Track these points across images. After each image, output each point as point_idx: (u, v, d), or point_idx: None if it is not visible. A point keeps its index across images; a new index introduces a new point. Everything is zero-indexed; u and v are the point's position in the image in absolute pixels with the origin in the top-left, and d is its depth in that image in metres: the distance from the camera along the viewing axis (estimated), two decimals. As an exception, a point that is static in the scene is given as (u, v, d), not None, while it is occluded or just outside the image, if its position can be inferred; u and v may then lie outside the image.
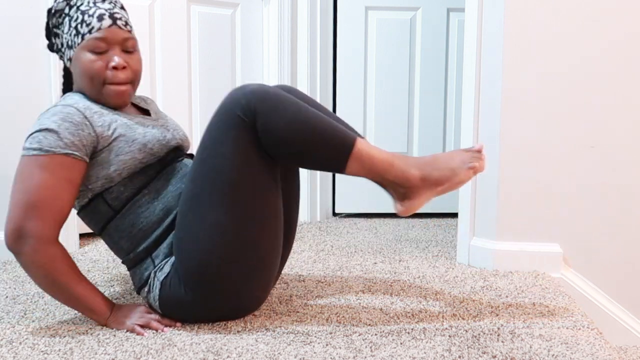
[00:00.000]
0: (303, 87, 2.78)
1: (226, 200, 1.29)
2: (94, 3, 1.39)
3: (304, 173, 2.82)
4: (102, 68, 1.37)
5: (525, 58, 1.90)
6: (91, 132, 1.32)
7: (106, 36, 1.37)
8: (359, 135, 1.34)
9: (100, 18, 1.37)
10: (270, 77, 2.75)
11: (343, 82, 2.91)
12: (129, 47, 1.40)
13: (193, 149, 2.61)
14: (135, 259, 1.39)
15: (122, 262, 1.44)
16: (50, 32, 1.45)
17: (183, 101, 2.55)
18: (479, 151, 1.33)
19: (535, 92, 1.91)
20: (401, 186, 1.32)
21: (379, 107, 2.93)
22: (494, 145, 1.94)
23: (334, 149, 1.28)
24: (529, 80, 1.91)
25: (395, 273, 1.88)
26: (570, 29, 1.88)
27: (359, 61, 2.90)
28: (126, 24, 1.41)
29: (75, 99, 1.36)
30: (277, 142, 1.27)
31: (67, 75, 1.50)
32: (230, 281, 1.32)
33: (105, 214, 1.39)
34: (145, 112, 1.55)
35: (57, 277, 1.28)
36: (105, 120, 1.35)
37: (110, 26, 1.37)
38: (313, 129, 1.27)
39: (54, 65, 2.10)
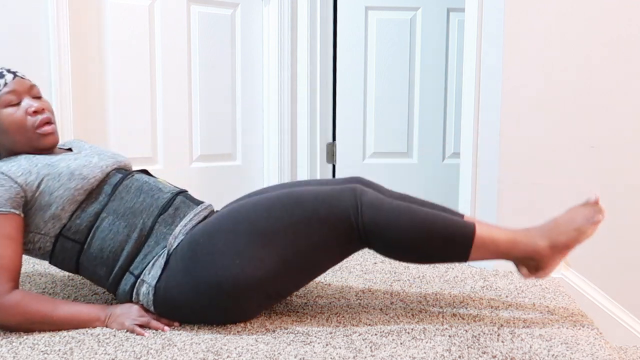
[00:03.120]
0: (303, 87, 2.78)
1: (288, 252, 1.31)
2: None
3: (303, 173, 2.82)
4: (24, 115, 1.40)
5: (525, 58, 1.90)
6: (12, 185, 1.33)
7: (15, 88, 1.40)
8: (476, 221, 1.36)
9: (1, 75, 1.40)
10: (270, 77, 2.75)
11: (343, 82, 2.90)
12: (36, 93, 1.44)
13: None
14: (115, 280, 1.40)
15: (108, 291, 1.44)
16: None
17: (183, 101, 2.55)
18: (597, 203, 1.36)
19: (536, 92, 1.91)
20: (531, 259, 1.35)
21: (379, 107, 2.93)
22: (494, 146, 1.94)
23: (455, 243, 1.32)
24: (529, 80, 1.91)
25: (395, 273, 1.88)
26: (570, 28, 1.88)
27: (359, 61, 2.90)
28: (23, 76, 1.44)
29: None
30: (397, 250, 1.32)
31: None
32: (245, 304, 1.35)
33: (73, 249, 1.40)
34: (69, 150, 1.55)
35: (32, 317, 1.30)
36: (25, 168, 1.36)
37: (13, 79, 1.41)
38: (431, 229, 1.30)
39: (55, 66, 2.10)
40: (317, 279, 1.78)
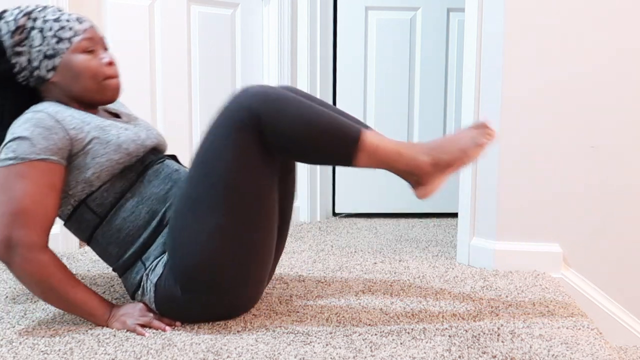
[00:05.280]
0: (303, 87, 2.78)
1: (225, 203, 1.29)
2: (59, 12, 1.40)
3: (304, 173, 2.83)
4: (100, 65, 1.40)
5: (526, 58, 1.90)
6: (65, 135, 1.31)
7: (92, 36, 1.40)
8: (366, 127, 1.33)
9: (80, 21, 1.40)
10: (270, 77, 2.75)
11: (343, 82, 2.91)
12: (106, 45, 1.45)
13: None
14: (125, 264, 1.39)
15: (113, 270, 1.44)
16: (2, 54, 1.36)
17: (183, 101, 2.55)
18: (485, 125, 1.33)
19: (536, 93, 1.91)
20: (413, 174, 1.33)
21: (379, 107, 2.93)
22: (494, 146, 1.94)
23: (341, 143, 1.28)
24: (529, 81, 1.91)
25: (395, 273, 1.88)
26: (570, 29, 1.88)
27: (359, 61, 2.90)
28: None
29: (45, 105, 1.35)
30: (284, 142, 1.28)
31: (18, 96, 1.41)
32: (225, 280, 1.33)
33: (91, 222, 1.39)
34: (116, 115, 1.55)
35: (51, 284, 1.28)
36: (78, 123, 1.34)
37: (91, 27, 1.41)
38: (318, 126, 1.27)
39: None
40: (317, 279, 1.78)
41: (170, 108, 2.52)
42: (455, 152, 1.31)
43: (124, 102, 2.34)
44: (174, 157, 1.53)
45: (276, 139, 1.27)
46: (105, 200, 1.38)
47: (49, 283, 1.28)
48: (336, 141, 1.28)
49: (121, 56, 2.37)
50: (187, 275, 1.31)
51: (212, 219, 1.29)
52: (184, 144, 2.57)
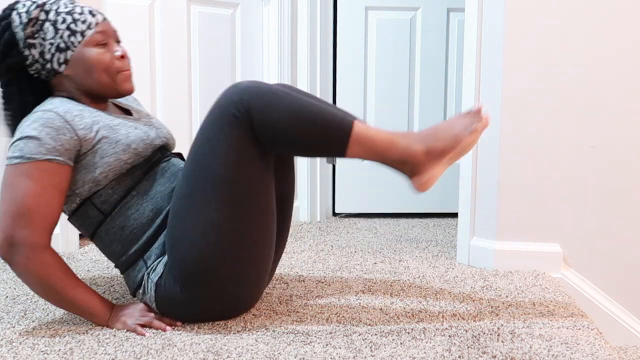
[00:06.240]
0: (303, 87, 2.78)
1: (220, 198, 1.29)
2: (72, 4, 1.39)
3: (304, 173, 2.82)
4: (113, 59, 1.39)
5: (525, 58, 1.90)
6: (73, 136, 1.31)
7: (105, 29, 1.39)
8: (357, 119, 1.32)
9: (93, 14, 1.38)
10: (270, 77, 2.75)
11: (343, 82, 2.91)
12: (118, 38, 1.44)
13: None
14: (127, 261, 1.39)
15: (115, 266, 1.44)
16: (15, 46, 1.35)
17: (183, 101, 2.55)
18: (479, 112, 1.31)
19: (536, 92, 1.91)
20: (406, 163, 1.30)
21: (379, 106, 2.93)
22: (494, 145, 1.94)
23: (332, 134, 1.27)
24: (529, 81, 1.91)
25: (395, 273, 1.88)
26: (570, 29, 1.88)
27: (359, 61, 2.90)
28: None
29: (56, 103, 1.34)
30: (275, 134, 1.27)
31: (30, 89, 1.40)
32: (224, 278, 1.32)
33: (95, 218, 1.39)
34: (127, 111, 1.54)
35: (53, 284, 1.28)
36: (87, 122, 1.34)
37: (103, 20, 1.40)
38: (309, 117, 1.26)
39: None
40: (317, 279, 1.78)
41: (170, 108, 2.52)
42: (448, 139, 1.29)
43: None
44: (180, 155, 1.53)
45: (266, 131, 1.27)
46: (111, 197, 1.38)
47: (50, 282, 1.28)
48: (328, 131, 1.27)
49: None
50: (184, 270, 1.31)
51: (206, 213, 1.29)
52: (184, 144, 2.57)
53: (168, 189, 1.40)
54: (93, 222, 1.40)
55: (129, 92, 1.43)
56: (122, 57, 1.40)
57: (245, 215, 1.31)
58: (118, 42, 1.43)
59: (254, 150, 1.29)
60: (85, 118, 1.34)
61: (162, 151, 1.46)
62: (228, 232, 1.30)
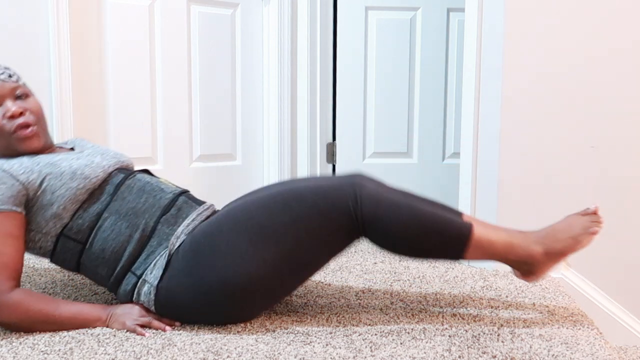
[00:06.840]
0: (303, 87, 2.78)
1: (287, 247, 1.31)
2: None
3: (303, 173, 2.82)
4: (0, 120, 1.37)
5: (525, 58, 1.90)
6: (14, 182, 1.32)
7: None
8: (472, 222, 1.35)
9: None
10: (270, 77, 2.75)
11: (343, 82, 2.90)
12: (19, 94, 1.41)
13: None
14: (116, 280, 1.40)
15: (109, 290, 1.44)
16: None
17: (183, 101, 2.55)
18: (596, 213, 1.36)
19: (536, 92, 1.91)
20: (525, 264, 1.36)
21: (379, 107, 2.93)
22: (494, 146, 1.94)
23: (451, 241, 1.32)
24: (529, 81, 1.91)
25: (395, 273, 1.88)
26: (570, 29, 1.88)
27: (359, 61, 2.90)
28: (10, 76, 1.41)
29: None
30: (394, 243, 1.32)
31: None
32: (247, 305, 1.35)
33: (75, 249, 1.40)
34: (72, 150, 1.54)
35: (34, 317, 1.29)
36: (27, 166, 1.35)
37: None
38: (427, 226, 1.30)
39: (55, 66, 2.10)
40: (317, 279, 1.78)
41: (170, 108, 2.51)
42: (567, 241, 1.34)
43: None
44: (146, 171, 1.54)
45: (386, 241, 1.31)
46: (82, 226, 1.38)
47: (31, 318, 1.29)
48: (446, 242, 1.32)
49: (121, 56, 2.37)
50: (211, 286, 1.31)
51: (268, 252, 1.30)
52: (184, 144, 2.57)
53: (139, 203, 1.41)
54: (74, 254, 1.40)
55: (32, 150, 1.41)
56: (12, 116, 1.37)
57: (297, 270, 1.35)
58: (21, 97, 1.40)
59: (342, 239, 1.33)
60: (24, 163, 1.36)
61: (123, 172, 1.46)
62: (276, 277, 1.32)
